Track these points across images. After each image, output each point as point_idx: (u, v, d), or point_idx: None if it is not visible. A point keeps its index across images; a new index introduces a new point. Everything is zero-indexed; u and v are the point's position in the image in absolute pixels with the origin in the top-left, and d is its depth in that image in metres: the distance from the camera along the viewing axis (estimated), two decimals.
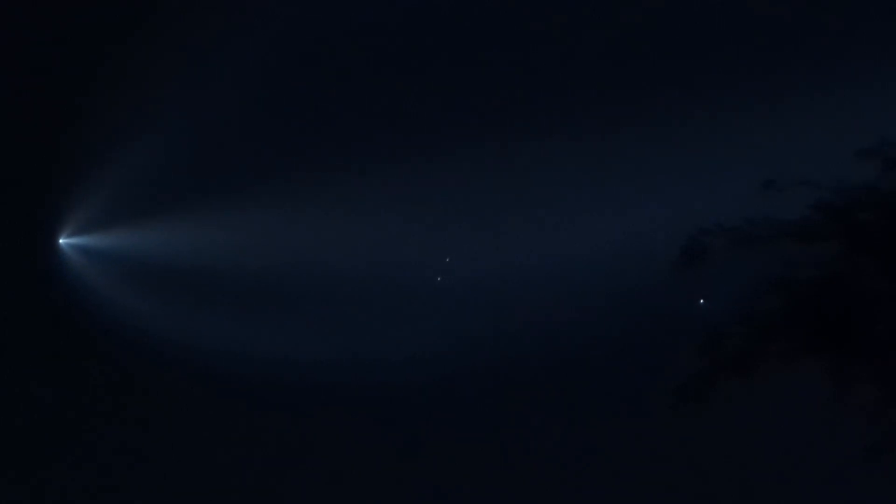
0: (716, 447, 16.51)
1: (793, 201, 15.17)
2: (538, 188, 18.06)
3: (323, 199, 19.49)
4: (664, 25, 17.54)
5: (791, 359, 15.39)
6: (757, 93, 17.00)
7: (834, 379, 15.28)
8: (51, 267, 19.54)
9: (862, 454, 15.16)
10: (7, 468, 18.56)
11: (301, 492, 18.17)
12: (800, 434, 16.10)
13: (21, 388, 19.10)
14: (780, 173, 15.24)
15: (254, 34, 19.54)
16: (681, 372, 15.77)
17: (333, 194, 19.49)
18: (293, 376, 18.81)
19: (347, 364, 18.85)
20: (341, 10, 19.56)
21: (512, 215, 18.46)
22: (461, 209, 19.16)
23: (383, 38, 19.52)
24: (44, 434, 18.98)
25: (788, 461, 16.19)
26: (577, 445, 17.19)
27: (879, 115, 15.91)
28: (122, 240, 19.55)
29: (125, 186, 19.59)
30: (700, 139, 17.20)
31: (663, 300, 17.04)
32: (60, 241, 19.56)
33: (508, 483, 17.16)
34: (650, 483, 16.77)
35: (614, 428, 16.89)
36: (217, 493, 18.30)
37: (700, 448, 16.51)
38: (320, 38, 19.57)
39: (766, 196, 15.42)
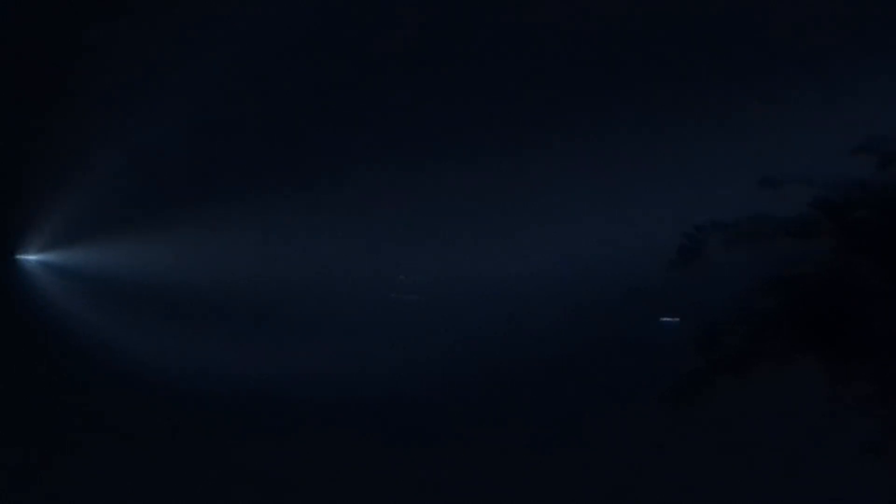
0: (714, 445, 16.41)
1: (789, 198, 15.13)
2: (527, 190, 17.95)
3: (287, 213, 19.37)
4: (659, 25, 17.64)
5: (789, 356, 15.22)
6: (753, 90, 17.13)
7: (832, 376, 15.15)
8: (6, 282, 19.11)
9: (860, 451, 15.02)
10: None
11: None
12: (797, 432, 16.01)
13: None
14: (777, 170, 15.21)
15: (228, 58, 19.29)
16: (677, 370, 15.60)
17: (299, 208, 19.36)
18: (257, 391, 18.55)
19: (317, 378, 18.50)
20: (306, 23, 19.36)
21: (498, 218, 18.29)
22: (442, 217, 19.01)
23: (355, 55, 19.40)
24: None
25: (786, 459, 16.08)
26: (573, 446, 17.03)
27: (876, 111, 16.05)
28: (80, 256, 19.21)
29: (84, 202, 19.25)
30: (696, 137, 17.27)
31: (659, 299, 16.97)
32: (17, 257, 19.22)
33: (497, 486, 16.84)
34: (649, 482, 16.60)
35: (610, 428, 16.72)
36: None
37: (698, 446, 16.38)
38: (289, 58, 19.40)
39: (762, 193, 15.37)
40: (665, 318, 17.93)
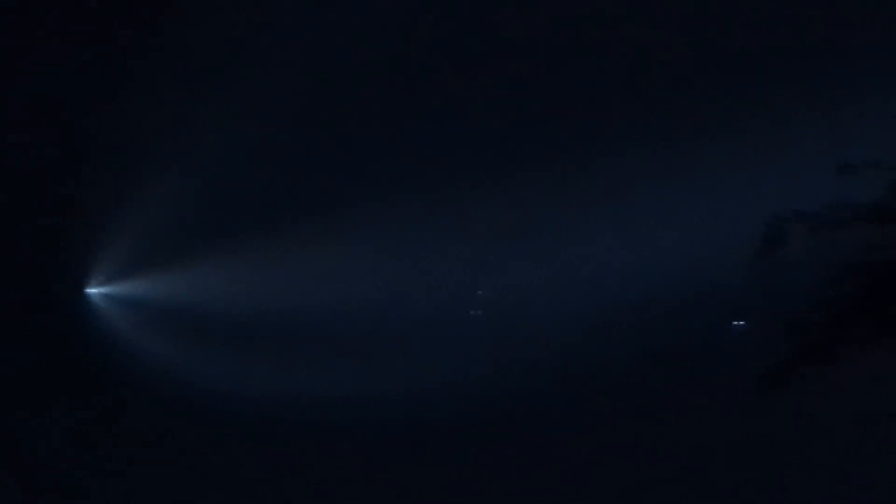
0: (799, 434, 16.36)
1: (869, 184, 15.06)
2: (600, 191, 17.99)
3: (347, 235, 19.29)
4: (734, 16, 17.73)
5: (872, 343, 15.09)
6: (830, 76, 17.11)
7: None
8: (78, 316, 19.10)
9: None
10: None
11: None
12: (882, 420, 15.82)
13: (48, 438, 18.55)
14: (856, 156, 15.15)
15: (264, 80, 19.39)
16: (762, 360, 15.49)
17: (358, 230, 19.33)
18: (323, 417, 18.41)
19: (379, 401, 18.50)
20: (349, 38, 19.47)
21: (572, 220, 18.29)
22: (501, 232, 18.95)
23: (399, 64, 19.46)
24: (72, 482, 18.21)
25: (871, 447, 15.88)
26: (662, 440, 17.02)
27: None
28: (148, 288, 19.19)
29: (148, 235, 19.29)
30: (775, 125, 17.24)
31: (743, 289, 16.88)
32: (87, 290, 19.20)
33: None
34: (736, 471, 16.62)
35: (696, 420, 16.64)
36: None
37: (784, 435, 16.39)
38: (330, 68, 19.42)
39: (842, 180, 15.31)
40: (736, 322, 17.71)
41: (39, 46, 19.25)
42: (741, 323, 18.11)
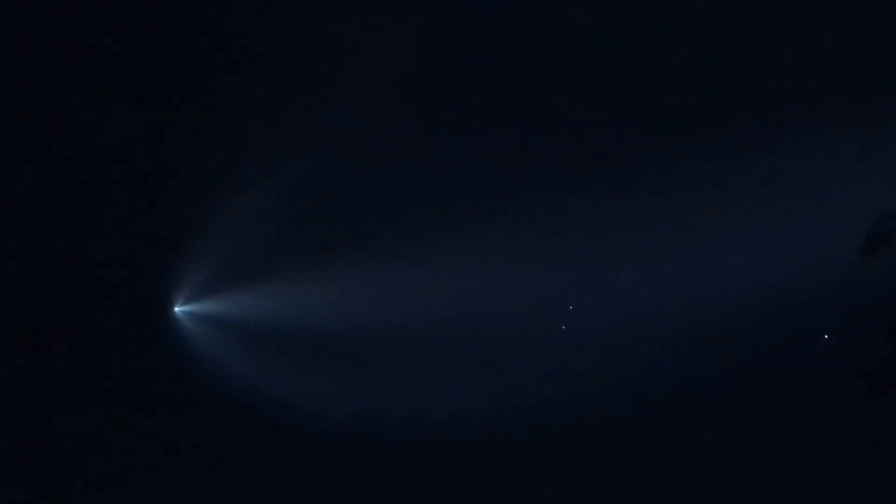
0: None
1: None
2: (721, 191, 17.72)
3: (442, 251, 19.13)
4: (841, 26, 17.24)
5: None
6: None
7: None
8: (167, 334, 18.79)
9: None
10: None
11: None
12: None
13: (139, 454, 18.42)
14: None
15: (356, 97, 19.32)
16: (870, 359, 14.91)
17: (450, 246, 19.15)
18: (419, 432, 18.31)
19: (473, 416, 18.39)
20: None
21: (678, 225, 18.44)
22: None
23: (497, 83, 19.22)
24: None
25: None
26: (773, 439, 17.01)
27: None
28: (234, 306, 18.86)
29: (235, 253, 18.97)
30: (878, 124, 16.97)
31: (850, 288, 16.84)
32: (175, 309, 18.86)
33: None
34: (846, 468, 16.61)
35: (804, 420, 16.84)
36: None
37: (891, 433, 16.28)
38: (429, 88, 19.45)
39: None
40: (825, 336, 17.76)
41: (136, 52, 19.05)
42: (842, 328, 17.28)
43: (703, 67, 18.77)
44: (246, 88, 19.17)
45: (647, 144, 18.85)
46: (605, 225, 18.68)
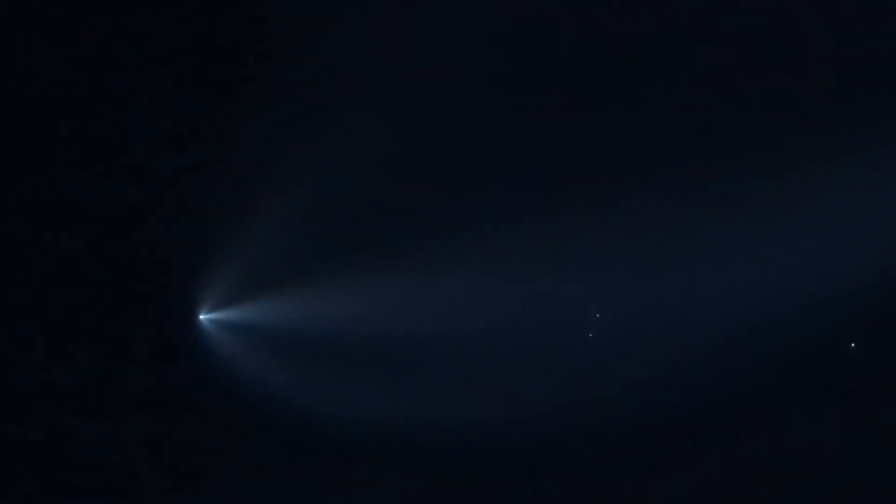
0: None
1: None
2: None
3: (460, 259, 18.78)
4: None
5: None
6: None
7: None
8: (191, 343, 18.62)
9: None
10: None
11: None
12: None
13: (165, 466, 18.31)
14: None
15: (374, 100, 18.92)
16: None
17: (472, 254, 18.80)
18: (439, 443, 18.19)
19: (495, 426, 18.21)
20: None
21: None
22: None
23: (513, 91, 18.98)
24: None
25: None
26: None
27: None
28: (262, 313, 18.67)
29: (260, 260, 18.79)
30: None
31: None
32: (200, 317, 18.67)
33: None
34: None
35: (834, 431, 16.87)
36: None
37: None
38: (445, 95, 18.96)
39: None
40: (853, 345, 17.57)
41: (151, 53, 18.80)
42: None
43: (726, 71, 18.41)
44: (275, 98, 18.74)
45: (667, 152, 18.54)
46: (623, 233, 18.56)
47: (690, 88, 18.53)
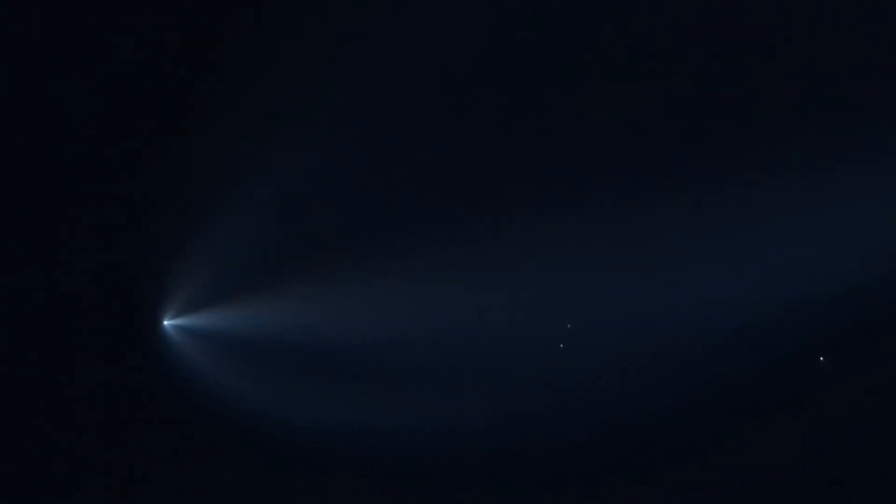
0: None
1: None
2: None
3: (435, 266, 18.45)
4: None
5: None
6: None
7: None
8: (156, 349, 18.30)
9: None
10: None
11: None
12: None
13: (129, 471, 17.99)
14: None
15: (352, 106, 18.70)
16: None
17: (446, 261, 18.48)
18: (411, 452, 17.97)
19: (464, 433, 17.99)
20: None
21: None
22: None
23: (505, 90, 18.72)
24: None
25: None
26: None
27: None
28: (228, 319, 18.34)
29: (226, 264, 18.51)
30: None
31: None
32: (165, 322, 18.32)
33: None
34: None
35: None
36: None
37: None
38: (431, 92, 18.76)
39: None
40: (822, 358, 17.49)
41: (123, 54, 18.60)
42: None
43: (722, 70, 18.32)
44: (236, 95, 18.54)
45: (652, 152, 18.37)
46: (607, 236, 18.28)
47: (681, 86, 18.37)
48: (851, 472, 17.39)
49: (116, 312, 18.37)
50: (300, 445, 18.02)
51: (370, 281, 18.35)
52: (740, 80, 18.27)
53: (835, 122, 18.00)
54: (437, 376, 18.28)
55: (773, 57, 18.21)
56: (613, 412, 17.93)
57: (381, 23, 18.36)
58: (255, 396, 18.17)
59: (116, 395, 18.20)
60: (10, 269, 18.19)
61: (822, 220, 17.82)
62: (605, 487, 17.64)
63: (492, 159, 18.58)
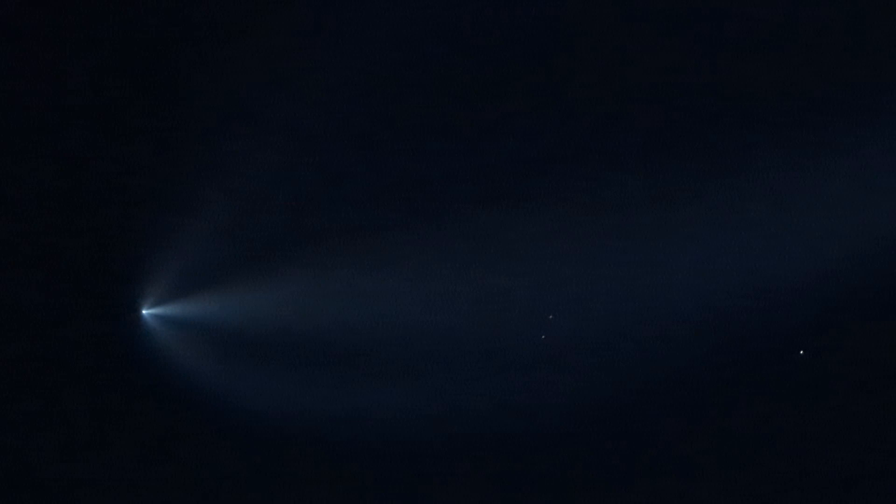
0: None
1: None
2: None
3: (410, 255, 18.27)
4: None
5: None
6: None
7: None
8: (135, 339, 18.02)
9: None
10: None
11: None
12: None
13: (107, 462, 17.65)
14: None
15: (331, 91, 18.58)
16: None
17: (422, 250, 18.30)
18: (385, 439, 17.79)
19: (435, 422, 17.82)
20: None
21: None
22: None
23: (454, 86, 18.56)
24: None
25: None
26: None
27: None
28: (207, 308, 18.13)
29: (205, 253, 18.31)
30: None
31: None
32: (143, 312, 18.09)
33: None
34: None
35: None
36: None
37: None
38: (412, 88, 18.67)
39: None
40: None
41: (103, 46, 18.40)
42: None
43: (709, 68, 18.29)
44: (210, 85, 18.38)
45: (634, 150, 18.40)
46: (588, 231, 18.20)
47: (660, 80, 18.38)
48: (845, 467, 17.44)
49: (95, 302, 18.09)
50: (281, 437, 17.80)
51: (352, 271, 18.18)
52: (729, 76, 18.29)
53: (823, 119, 18.10)
54: (423, 369, 18.11)
55: (769, 52, 18.30)
56: (608, 408, 17.88)
57: (372, 17, 18.33)
58: (235, 386, 17.92)
59: (94, 385, 17.88)
60: None
61: (813, 216, 17.90)
62: (600, 483, 17.60)
63: (447, 154, 18.46)
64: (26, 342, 17.84)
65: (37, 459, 17.54)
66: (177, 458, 17.69)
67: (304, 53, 18.38)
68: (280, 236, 18.33)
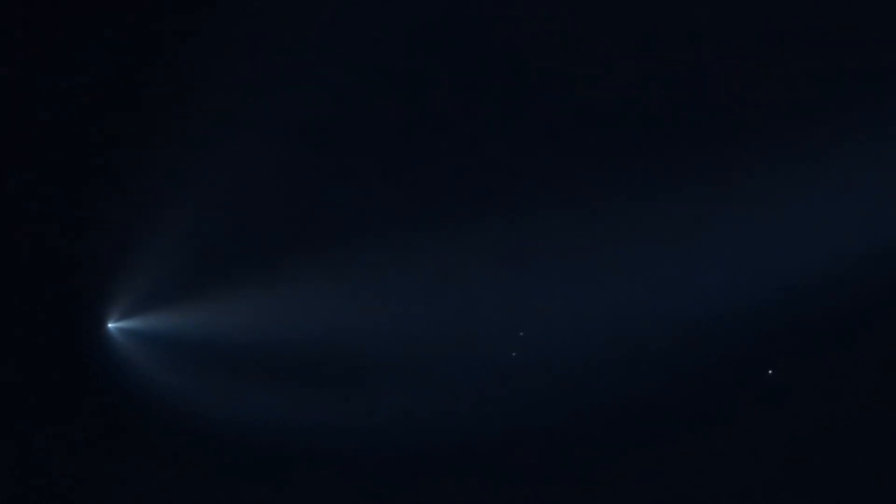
0: None
1: None
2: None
3: (381, 269, 18.11)
4: None
5: None
6: None
7: None
8: (99, 353, 17.85)
9: None
10: None
11: None
12: None
13: (73, 476, 17.59)
14: None
15: (302, 92, 18.29)
16: None
17: (392, 264, 18.13)
18: (351, 450, 17.67)
19: (409, 437, 17.70)
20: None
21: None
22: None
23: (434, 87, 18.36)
24: None
25: None
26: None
27: None
28: (173, 321, 17.94)
29: (171, 266, 18.12)
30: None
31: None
32: (109, 325, 17.86)
33: None
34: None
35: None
36: None
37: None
38: (407, 86, 18.45)
39: None
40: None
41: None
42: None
43: (710, 66, 18.02)
44: (186, 92, 18.30)
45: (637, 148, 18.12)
46: (593, 231, 17.88)
47: (662, 81, 18.14)
48: (845, 467, 17.15)
49: (59, 315, 17.96)
50: (249, 447, 17.68)
51: (321, 280, 18.00)
52: (727, 76, 18.02)
53: (823, 118, 17.78)
54: (398, 374, 17.95)
55: (771, 54, 18.02)
56: (601, 405, 17.64)
57: (377, 17, 18.10)
58: (200, 399, 17.78)
59: (59, 401, 17.76)
60: None
61: (812, 216, 17.59)
62: (594, 480, 17.39)
63: (423, 158, 18.24)
64: None
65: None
66: (144, 471, 17.50)
67: (304, 53, 18.20)
68: (246, 248, 18.20)
